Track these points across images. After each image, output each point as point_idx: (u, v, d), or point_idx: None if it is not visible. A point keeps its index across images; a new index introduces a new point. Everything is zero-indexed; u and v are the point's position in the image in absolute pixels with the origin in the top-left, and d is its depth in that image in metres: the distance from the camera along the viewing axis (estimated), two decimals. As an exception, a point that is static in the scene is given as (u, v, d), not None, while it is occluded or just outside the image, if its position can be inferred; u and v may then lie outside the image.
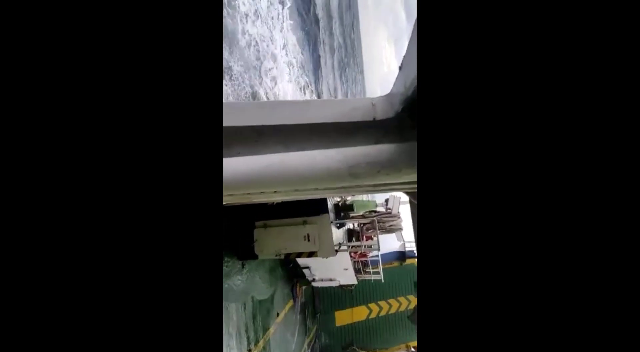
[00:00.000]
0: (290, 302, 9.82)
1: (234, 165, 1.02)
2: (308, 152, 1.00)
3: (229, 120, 1.03)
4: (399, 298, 13.00)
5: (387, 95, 1.07)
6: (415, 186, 1.69)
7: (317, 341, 12.35)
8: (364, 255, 8.94)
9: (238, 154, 1.05)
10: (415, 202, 2.39)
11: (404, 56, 0.85)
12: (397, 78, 0.98)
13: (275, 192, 1.09)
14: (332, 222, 6.40)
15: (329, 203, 6.43)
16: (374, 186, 1.06)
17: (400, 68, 0.91)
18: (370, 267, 9.40)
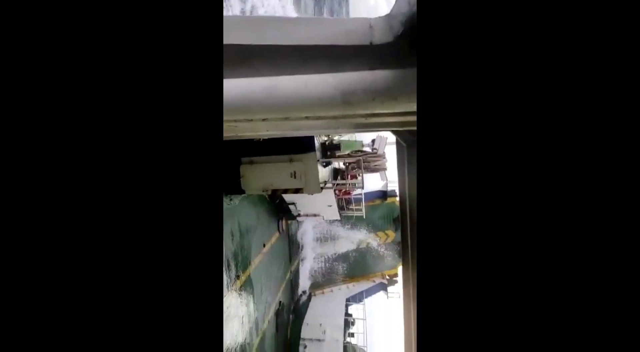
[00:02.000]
0: (277, 234, 10.37)
1: None
2: (300, 76, 0.93)
3: None
4: (378, 233, 13.93)
5: (387, 16, 0.97)
6: (406, 123, 1.66)
7: (299, 269, 13.42)
8: (348, 193, 9.26)
9: (224, 76, 0.97)
10: (403, 143, 2.39)
11: None
12: None
13: (264, 120, 1.04)
14: (318, 160, 6.45)
15: (316, 142, 6.40)
16: (367, 116, 1.02)
17: None
18: (354, 205, 9.83)
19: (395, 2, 0.94)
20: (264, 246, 9.21)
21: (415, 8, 0.79)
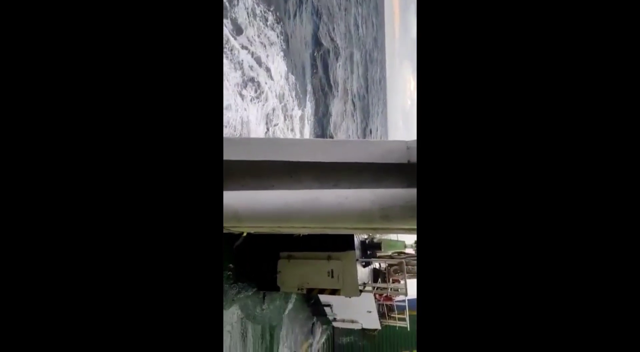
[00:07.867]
0: (309, 340, 9.38)
1: (267, 198, 1.05)
2: (341, 190, 1.00)
3: (264, 155, 1.07)
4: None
5: None
6: None
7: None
8: (389, 298, 8.48)
9: (272, 187, 1.08)
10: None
11: None
12: None
13: (304, 227, 1.09)
14: (357, 259, 6.21)
15: (355, 239, 6.29)
16: (405, 230, 1.03)
17: None
18: (396, 313, 8.85)
19: None
20: (294, 354, 8.28)
21: None
